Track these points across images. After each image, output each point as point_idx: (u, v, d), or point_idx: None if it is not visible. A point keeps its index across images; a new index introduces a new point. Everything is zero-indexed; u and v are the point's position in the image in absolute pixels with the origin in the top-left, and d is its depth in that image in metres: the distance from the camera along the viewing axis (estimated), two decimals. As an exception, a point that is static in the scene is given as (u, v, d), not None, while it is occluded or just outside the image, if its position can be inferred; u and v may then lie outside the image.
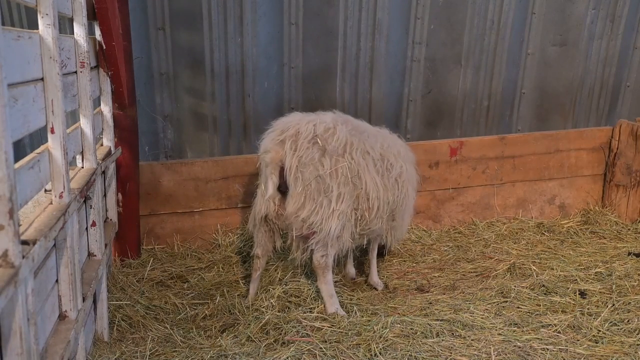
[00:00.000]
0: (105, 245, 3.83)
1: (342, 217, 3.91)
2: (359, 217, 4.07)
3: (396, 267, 5.12)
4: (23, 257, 1.89)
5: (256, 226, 4.20)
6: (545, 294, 4.38)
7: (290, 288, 4.36)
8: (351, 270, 4.94)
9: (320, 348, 3.49)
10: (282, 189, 3.91)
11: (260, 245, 4.27)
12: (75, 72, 3.34)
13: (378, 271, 4.90)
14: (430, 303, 4.25)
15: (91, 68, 3.61)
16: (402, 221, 4.48)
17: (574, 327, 3.84)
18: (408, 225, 4.76)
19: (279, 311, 4.01)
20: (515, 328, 3.82)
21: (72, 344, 2.63)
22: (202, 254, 5.17)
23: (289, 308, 4.09)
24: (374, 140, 4.17)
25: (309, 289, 4.35)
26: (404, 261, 5.19)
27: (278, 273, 4.70)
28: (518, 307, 4.16)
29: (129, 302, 4.12)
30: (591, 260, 5.06)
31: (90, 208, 3.54)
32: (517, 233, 5.82)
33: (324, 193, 3.87)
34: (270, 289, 4.35)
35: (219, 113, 5.65)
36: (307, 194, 3.86)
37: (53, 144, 2.57)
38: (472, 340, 3.63)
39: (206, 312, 4.12)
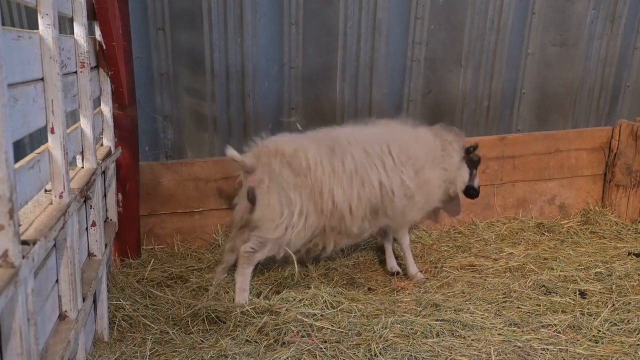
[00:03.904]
0: (105, 245, 3.82)
1: (296, 228, 4.23)
2: (333, 226, 4.39)
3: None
4: (23, 257, 1.89)
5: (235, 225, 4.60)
6: (545, 294, 4.38)
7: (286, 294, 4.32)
8: (390, 263, 5.06)
9: (320, 348, 3.49)
10: (251, 198, 4.27)
11: (230, 240, 4.63)
12: (75, 72, 3.34)
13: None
14: (430, 303, 4.25)
15: (91, 68, 3.61)
16: (402, 215, 4.69)
17: (574, 327, 3.85)
18: (418, 213, 4.86)
19: (272, 313, 3.96)
20: (515, 328, 3.82)
21: (72, 344, 2.63)
22: (202, 254, 5.17)
23: (287, 309, 4.07)
24: (351, 151, 4.45)
25: (306, 292, 4.34)
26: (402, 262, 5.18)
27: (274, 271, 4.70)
28: (518, 307, 4.16)
29: (129, 302, 4.12)
30: (591, 260, 5.06)
31: (90, 208, 3.54)
32: (517, 233, 5.82)
33: (286, 206, 4.20)
34: (270, 295, 4.33)
35: (219, 113, 5.65)
36: (271, 205, 4.21)
37: (53, 144, 2.57)
38: (472, 340, 3.63)
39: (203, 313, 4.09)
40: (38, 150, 2.52)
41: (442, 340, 3.62)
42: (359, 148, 4.48)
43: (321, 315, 3.91)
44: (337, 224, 4.40)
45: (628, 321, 3.91)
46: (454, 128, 5.19)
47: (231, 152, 4.25)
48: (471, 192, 5.14)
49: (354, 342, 3.57)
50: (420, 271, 4.91)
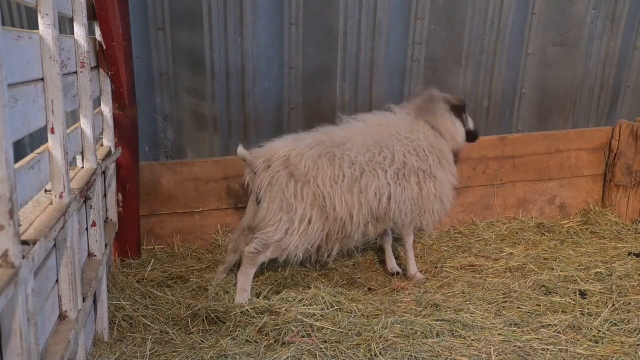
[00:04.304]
0: (105, 245, 3.83)
1: (297, 233, 4.23)
2: (335, 232, 4.38)
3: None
4: (23, 257, 1.89)
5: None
6: (545, 294, 4.38)
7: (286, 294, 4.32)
8: (390, 264, 5.03)
9: (320, 348, 3.49)
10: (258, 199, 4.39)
11: (232, 241, 4.64)
12: (75, 72, 3.34)
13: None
14: (430, 303, 4.25)
15: (91, 68, 3.61)
16: (406, 217, 4.61)
17: (574, 327, 3.84)
18: (430, 212, 4.74)
19: (272, 313, 3.96)
20: (515, 328, 3.82)
21: (72, 344, 2.63)
22: (202, 254, 5.17)
23: (286, 309, 4.08)
24: (355, 153, 4.43)
25: (306, 292, 4.35)
26: (402, 262, 5.18)
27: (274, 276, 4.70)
28: (518, 307, 4.16)
29: (129, 302, 4.12)
30: (591, 260, 5.06)
31: (91, 208, 3.54)
32: (517, 233, 5.82)
33: (286, 211, 4.23)
34: (269, 295, 4.34)
35: (219, 113, 5.65)
36: (270, 209, 4.26)
37: (53, 144, 2.57)
38: (472, 340, 3.63)
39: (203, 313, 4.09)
40: (38, 150, 2.52)
41: (442, 340, 3.62)
42: (361, 156, 4.43)
43: (321, 315, 3.91)
44: (339, 230, 4.40)
45: (628, 321, 3.91)
46: (419, 94, 5.01)
47: (241, 150, 4.29)
48: (470, 136, 5.01)
49: (354, 342, 3.57)
50: (420, 271, 4.91)
